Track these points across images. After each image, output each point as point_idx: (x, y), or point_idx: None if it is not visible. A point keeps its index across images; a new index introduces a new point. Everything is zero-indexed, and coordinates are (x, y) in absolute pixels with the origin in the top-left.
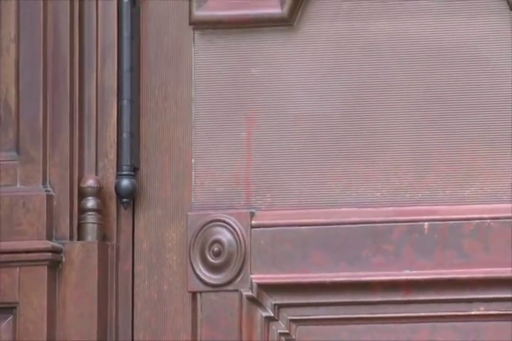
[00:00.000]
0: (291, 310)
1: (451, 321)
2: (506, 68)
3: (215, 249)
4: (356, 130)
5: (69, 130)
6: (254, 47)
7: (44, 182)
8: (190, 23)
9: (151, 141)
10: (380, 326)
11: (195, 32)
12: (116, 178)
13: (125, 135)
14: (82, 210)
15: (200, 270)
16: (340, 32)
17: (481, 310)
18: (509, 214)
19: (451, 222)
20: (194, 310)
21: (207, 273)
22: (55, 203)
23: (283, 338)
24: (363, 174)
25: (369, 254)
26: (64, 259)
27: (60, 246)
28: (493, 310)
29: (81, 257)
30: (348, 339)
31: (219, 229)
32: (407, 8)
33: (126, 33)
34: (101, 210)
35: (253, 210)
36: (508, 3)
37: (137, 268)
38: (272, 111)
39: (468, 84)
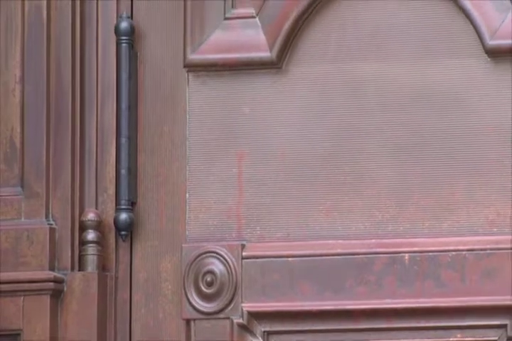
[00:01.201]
0: (279, 337)
1: None
2: (482, 109)
3: (208, 278)
4: (341, 167)
5: (71, 166)
6: (245, 89)
7: (47, 216)
8: (185, 66)
9: (148, 176)
10: None
11: (190, 74)
12: (115, 212)
13: (123, 171)
14: (83, 242)
15: (193, 299)
16: (326, 74)
17: (458, 336)
18: (483, 246)
19: (430, 254)
20: (188, 337)
21: (200, 302)
22: (57, 236)
23: None
24: (347, 208)
25: (353, 284)
26: (66, 289)
27: (62, 276)
28: (469, 336)
29: (82, 287)
30: None
31: (212, 260)
32: (390, 51)
33: (124, 75)
34: (101, 242)
35: (244, 242)
36: (484, 47)
37: (135, 296)
38: (262, 149)
39: (447, 124)
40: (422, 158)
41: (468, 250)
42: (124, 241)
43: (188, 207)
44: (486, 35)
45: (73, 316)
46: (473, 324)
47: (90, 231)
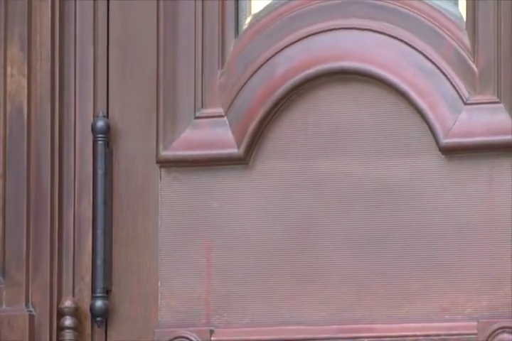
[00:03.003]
0: None
1: None
2: (436, 204)
3: None
4: (303, 257)
5: (49, 257)
6: (214, 183)
7: (27, 304)
8: (157, 162)
9: (122, 265)
10: None
11: (162, 169)
12: (91, 299)
13: (99, 261)
14: (61, 328)
15: None
16: (289, 170)
17: None
18: (437, 332)
19: (388, 339)
20: None
21: None
22: (36, 322)
23: None
24: (309, 296)
25: None
26: None
27: None
28: None
29: None
30: None
31: None
32: (348, 149)
33: (100, 171)
34: (77, 328)
35: (212, 328)
36: (438, 145)
37: None
38: (229, 240)
39: (403, 218)
40: (380, 251)
41: (423, 335)
42: (99, 326)
43: (159, 294)
44: (440, 134)
45: None
46: None
47: (67, 317)
